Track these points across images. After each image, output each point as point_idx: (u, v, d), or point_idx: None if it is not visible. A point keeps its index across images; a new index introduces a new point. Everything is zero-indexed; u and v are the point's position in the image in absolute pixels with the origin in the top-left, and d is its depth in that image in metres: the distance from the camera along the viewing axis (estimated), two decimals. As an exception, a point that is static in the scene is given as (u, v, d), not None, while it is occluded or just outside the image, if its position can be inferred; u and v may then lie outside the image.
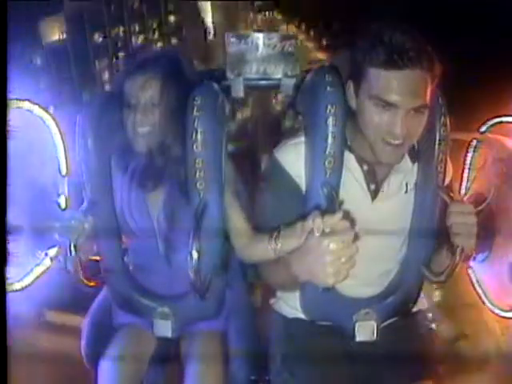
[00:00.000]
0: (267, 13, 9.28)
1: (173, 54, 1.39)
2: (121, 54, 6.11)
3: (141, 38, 6.40)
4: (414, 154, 1.26)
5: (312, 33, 8.27)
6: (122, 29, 6.23)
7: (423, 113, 1.13)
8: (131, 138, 1.30)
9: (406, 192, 1.28)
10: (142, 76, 1.27)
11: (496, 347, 1.82)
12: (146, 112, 1.27)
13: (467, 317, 1.89)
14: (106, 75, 5.98)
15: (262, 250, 1.18)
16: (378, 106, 1.11)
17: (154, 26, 6.60)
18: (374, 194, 1.26)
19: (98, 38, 6.00)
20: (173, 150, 1.31)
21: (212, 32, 6.94)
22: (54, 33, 5.71)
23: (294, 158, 1.26)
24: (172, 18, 6.72)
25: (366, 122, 1.15)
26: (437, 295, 2.01)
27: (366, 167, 1.25)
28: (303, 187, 1.26)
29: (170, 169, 1.33)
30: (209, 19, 6.99)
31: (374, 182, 1.26)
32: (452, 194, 1.26)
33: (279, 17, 9.35)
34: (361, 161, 1.24)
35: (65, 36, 5.71)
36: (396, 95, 1.08)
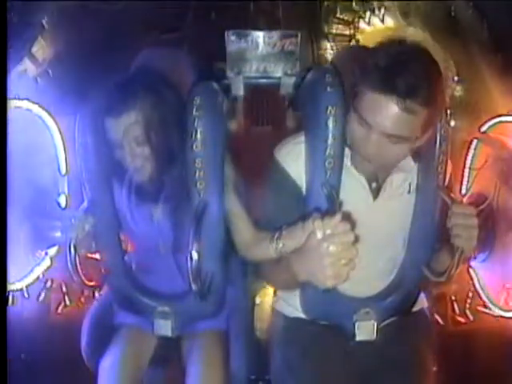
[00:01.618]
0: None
1: (159, 62, 1.34)
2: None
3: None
4: (417, 154, 1.26)
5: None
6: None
7: (400, 143, 1.11)
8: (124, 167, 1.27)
9: (409, 192, 1.27)
10: (120, 120, 1.21)
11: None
12: (135, 156, 1.24)
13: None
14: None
15: (263, 249, 1.18)
16: (359, 121, 1.12)
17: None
18: (376, 193, 1.26)
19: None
20: (173, 168, 1.28)
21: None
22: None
23: (294, 158, 1.26)
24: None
25: (350, 130, 1.17)
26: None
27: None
28: (303, 187, 1.25)
29: (170, 185, 1.30)
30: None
31: (376, 180, 1.26)
32: (453, 195, 1.25)
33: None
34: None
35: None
36: (373, 116, 1.08)
